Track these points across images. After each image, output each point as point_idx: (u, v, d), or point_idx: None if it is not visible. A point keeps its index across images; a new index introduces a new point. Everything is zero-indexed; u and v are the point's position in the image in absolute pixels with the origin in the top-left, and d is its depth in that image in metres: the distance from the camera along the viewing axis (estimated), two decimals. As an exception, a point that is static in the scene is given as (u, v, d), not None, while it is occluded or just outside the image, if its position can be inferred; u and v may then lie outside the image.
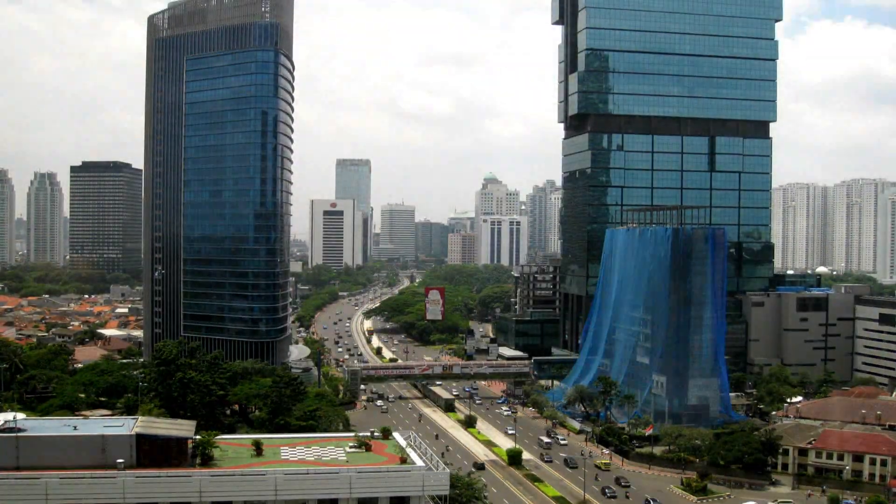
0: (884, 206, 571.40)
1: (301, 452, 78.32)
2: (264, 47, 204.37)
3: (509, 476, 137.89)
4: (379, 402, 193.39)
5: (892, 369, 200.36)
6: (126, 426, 73.54)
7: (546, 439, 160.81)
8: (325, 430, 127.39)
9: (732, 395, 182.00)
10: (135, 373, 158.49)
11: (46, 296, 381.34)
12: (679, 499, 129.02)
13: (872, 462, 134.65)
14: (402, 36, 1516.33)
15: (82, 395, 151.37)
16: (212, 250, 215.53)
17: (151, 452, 70.48)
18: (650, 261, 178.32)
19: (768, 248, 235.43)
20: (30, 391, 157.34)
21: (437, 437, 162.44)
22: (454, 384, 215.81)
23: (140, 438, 70.39)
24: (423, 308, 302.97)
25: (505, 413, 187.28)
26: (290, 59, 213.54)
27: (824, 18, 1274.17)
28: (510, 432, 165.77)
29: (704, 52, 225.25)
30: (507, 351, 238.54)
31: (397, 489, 71.51)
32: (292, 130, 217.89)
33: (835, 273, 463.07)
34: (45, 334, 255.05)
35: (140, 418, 78.48)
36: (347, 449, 79.33)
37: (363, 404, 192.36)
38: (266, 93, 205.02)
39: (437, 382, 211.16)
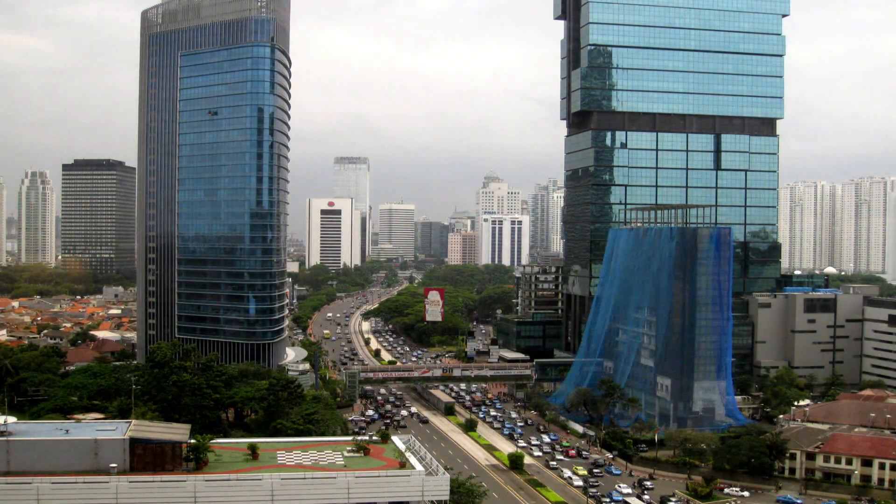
0: (893, 206, 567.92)
1: (298, 456, 78.34)
2: (260, 42, 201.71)
3: (510, 481, 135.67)
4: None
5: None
6: (119, 430, 75.93)
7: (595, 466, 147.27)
8: (323, 434, 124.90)
9: (739, 398, 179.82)
10: (128, 375, 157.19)
11: (38, 297, 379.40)
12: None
13: (882, 466, 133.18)
14: (402, 30, 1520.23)
15: (75, 399, 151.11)
16: (207, 250, 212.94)
17: (145, 457, 71.55)
18: (654, 261, 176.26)
19: (775, 248, 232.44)
20: (21, 394, 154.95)
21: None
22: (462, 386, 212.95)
23: (133, 442, 71.45)
24: (422, 309, 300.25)
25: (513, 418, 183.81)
26: (286, 54, 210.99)
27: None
28: (512, 436, 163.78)
29: (710, 48, 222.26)
30: (508, 353, 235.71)
31: (396, 494, 72.49)
32: (289, 127, 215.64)
33: (843, 273, 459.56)
34: (37, 336, 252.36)
35: (133, 422, 79.36)
36: (345, 453, 79.40)
37: (361, 409, 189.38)
38: (262, 89, 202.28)
39: (437, 385, 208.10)
